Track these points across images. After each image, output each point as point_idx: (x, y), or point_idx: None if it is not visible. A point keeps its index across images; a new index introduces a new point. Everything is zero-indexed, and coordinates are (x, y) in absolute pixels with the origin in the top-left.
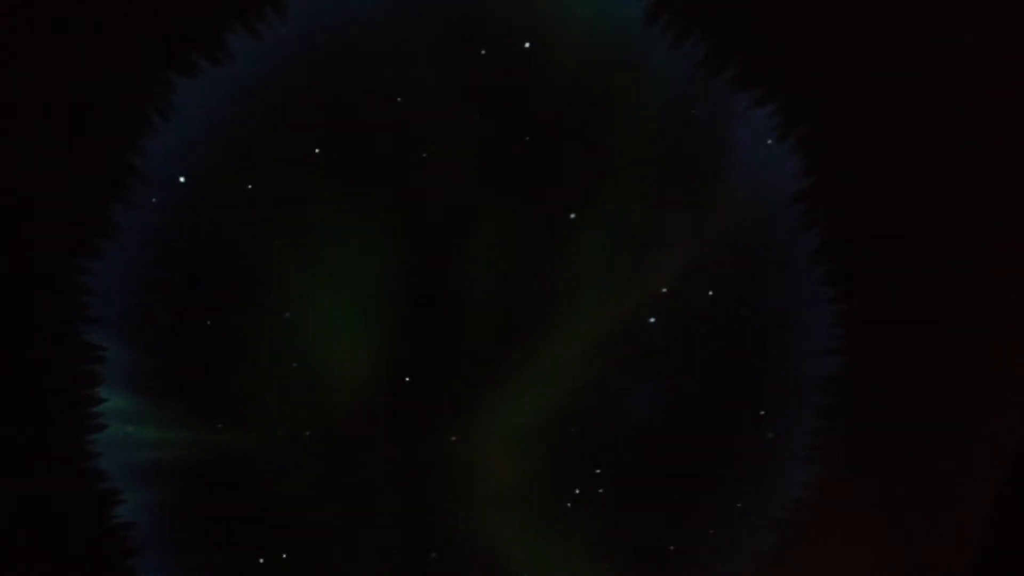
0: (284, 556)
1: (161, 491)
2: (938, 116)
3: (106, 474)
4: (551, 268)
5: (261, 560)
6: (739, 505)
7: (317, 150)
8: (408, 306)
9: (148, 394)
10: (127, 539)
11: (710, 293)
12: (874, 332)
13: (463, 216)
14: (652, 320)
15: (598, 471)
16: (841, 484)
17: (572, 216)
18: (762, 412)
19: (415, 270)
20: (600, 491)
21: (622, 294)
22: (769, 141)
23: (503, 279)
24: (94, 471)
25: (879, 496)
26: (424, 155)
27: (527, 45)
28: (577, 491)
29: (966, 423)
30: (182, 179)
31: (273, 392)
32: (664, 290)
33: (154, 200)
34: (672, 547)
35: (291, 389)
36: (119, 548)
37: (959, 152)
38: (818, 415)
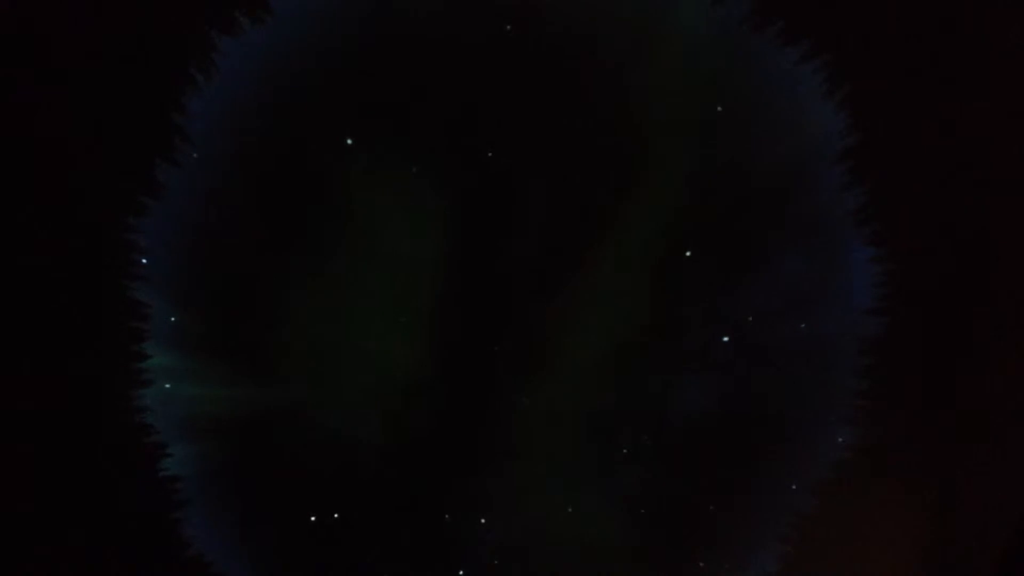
0: (335, 516)
1: (207, 446)
2: (994, 72)
3: (152, 429)
4: (602, 235)
5: (312, 518)
6: (779, 467)
7: (366, 117)
8: (462, 271)
9: (193, 351)
10: (174, 492)
11: (749, 253)
12: (918, 293)
13: (508, 185)
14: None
15: (644, 435)
16: (882, 447)
17: (617, 185)
18: (802, 373)
19: (465, 237)
20: (645, 454)
21: (672, 236)
22: (814, 98)
23: (552, 248)
24: (141, 425)
25: (922, 460)
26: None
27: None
28: (624, 451)
29: (1014, 385)
30: (225, 143)
31: (321, 351)
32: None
33: (196, 157)
34: (712, 507)
35: (340, 349)
36: (166, 500)
37: (1015, 108)
38: (859, 376)
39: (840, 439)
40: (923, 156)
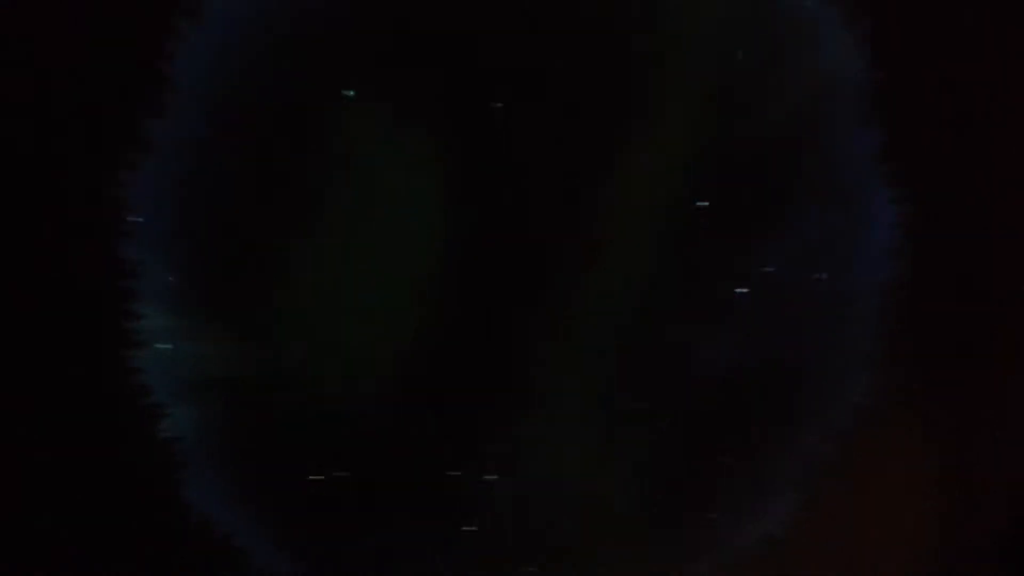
0: (339, 474)
1: (205, 407)
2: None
3: (150, 389)
4: (613, 185)
5: (316, 477)
6: (798, 412)
7: (365, 65)
8: (468, 222)
9: (187, 310)
10: (174, 452)
11: (763, 182)
12: (940, 236)
13: (514, 135)
14: (704, 204)
15: (660, 391)
16: (905, 392)
17: (630, 125)
18: (817, 316)
19: (471, 186)
20: (660, 409)
21: (685, 184)
22: (835, 32)
23: (561, 200)
24: (137, 386)
25: (945, 406)
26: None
27: None
28: (640, 407)
29: None
30: (217, 92)
31: (318, 311)
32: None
33: (186, 111)
34: (729, 455)
35: (339, 309)
36: (166, 461)
37: None
38: (881, 320)
39: (862, 387)
40: (946, 92)
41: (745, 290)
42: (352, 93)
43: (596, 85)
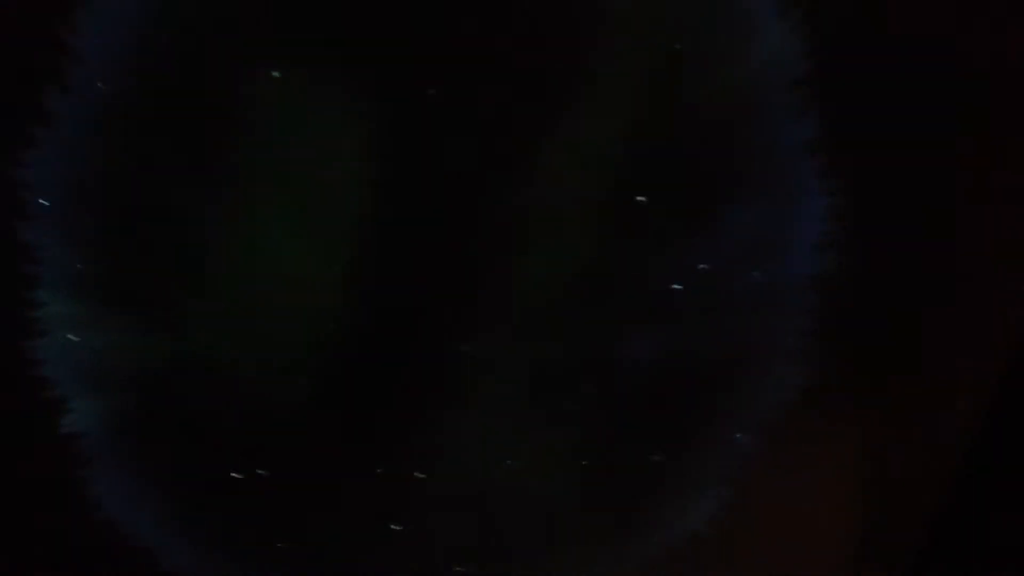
0: (255, 471)
1: (110, 400)
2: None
3: (50, 382)
4: (549, 154)
5: (231, 475)
6: (724, 407)
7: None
8: (393, 205)
9: (92, 298)
10: (77, 449)
11: (696, 175)
12: (870, 229)
13: (446, 116)
14: (642, 199)
15: (590, 386)
16: (829, 387)
17: (565, 115)
18: (748, 311)
19: (396, 171)
20: (590, 405)
21: (618, 177)
22: (769, 17)
23: (493, 187)
24: (37, 379)
25: (869, 401)
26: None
27: None
28: (568, 402)
29: (965, 327)
30: (124, 62)
31: (232, 297)
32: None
33: (96, 84)
34: (657, 456)
35: (253, 294)
36: (69, 458)
37: (972, 39)
38: (807, 315)
39: (787, 381)
40: (880, 81)
41: (679, 287)
42: (278, 74)
43: (532, 73)
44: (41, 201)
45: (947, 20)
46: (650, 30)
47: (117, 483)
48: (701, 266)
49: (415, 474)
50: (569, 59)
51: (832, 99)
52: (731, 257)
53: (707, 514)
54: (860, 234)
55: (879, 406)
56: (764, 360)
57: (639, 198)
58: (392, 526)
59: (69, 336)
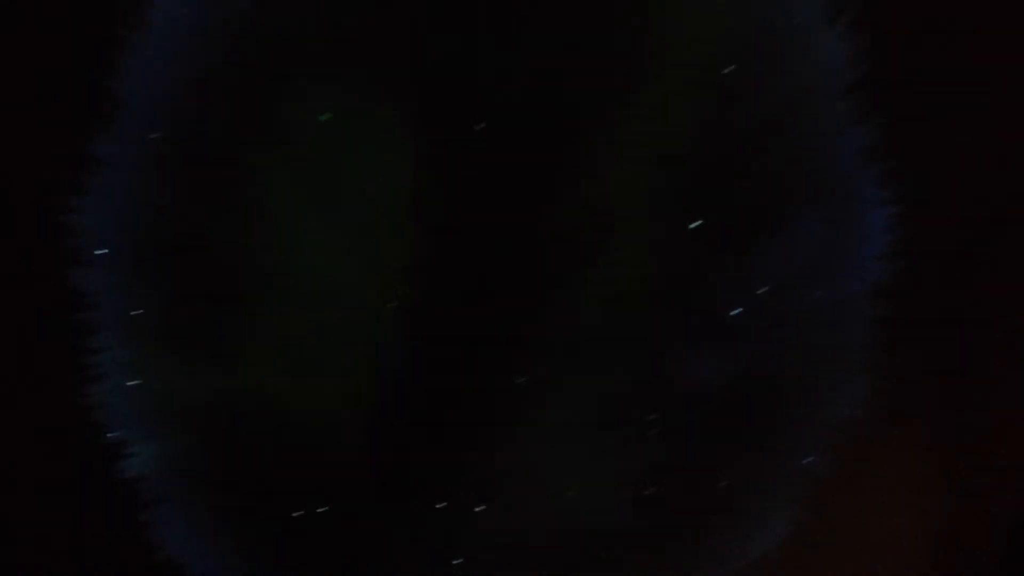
0: (316, 509)
1: (170, 442)
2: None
3: (111, 427)
4: (601, 200)
5: (292, 513)
6: (791, 429)
7: (323, 61)
8: (445, 243)
9: (148, 340)
10: (140, 493)
11: (752, 187)
12: (932, 238)
13: (496, 150)
14: (696, 224)
15: (651, 412)
16: (895, 402)
17: (612, 115)
18: (812, 329)
19: (446, 204)
20: (652, 431)
21: (674, 200)
22: (819, 25)
23: (547, 216)
24: (97, 424)
25: (937, 417)
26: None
27: None
28: (630, 429)
29: None
30: (169, 105)
31: (288, 336)
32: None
33: (142, 130)
34: (724, 473)
35: (307, 332)
36: (132, 502)
37: None
38: (872, 329)
39: (854, 398)
40: (940, 87)
41: (741, 310)
42: (326, 117)
43: (587, 93)
44: (94, 249)
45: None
46: (701, 52)
47: (178, 524)
48: (762, 289)
49: (475, 508)
50: (620, 84)
51: (889, 106)
52: (793, 276)
53: (777, 538)
54: (923, 243)
55: (949, 420)
56: (830, 378)
57: (693, 224)
58: (453, 561)
59: (126, 379)
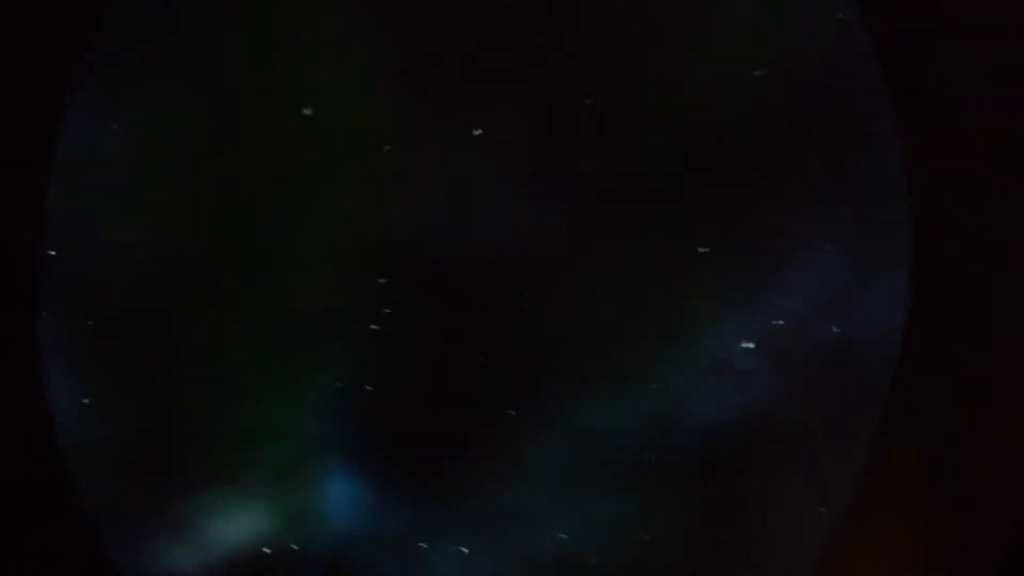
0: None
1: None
2: None
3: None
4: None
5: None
6: (797, 475)
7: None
8: (441, 265)
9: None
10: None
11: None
12: (948, 284)
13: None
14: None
15: (651, 453)
16: (900, 451)
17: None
18: (824, 369)
19: (450, 227)
20: (648, 460)
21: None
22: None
23: (546, 236)
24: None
25: (939, 465)
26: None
27: None
28: (627, 470)
29: None
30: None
31: (275, 364)
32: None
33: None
34: (728, 533)
35: (295, 356)
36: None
37: None
38: (884, 372)
39: (863, 449)
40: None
41: (751, 344)
42: (310, 112)
43: (609, 115)
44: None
45: None
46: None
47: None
48: (777, 321)
49: (460, 549)
50: (630, 100)
51: (914, 137)
52: (809, 311)
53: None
54: (939, 289)
55: (950, 470)
56: (838, 423)
57: (701, 249)
58: None
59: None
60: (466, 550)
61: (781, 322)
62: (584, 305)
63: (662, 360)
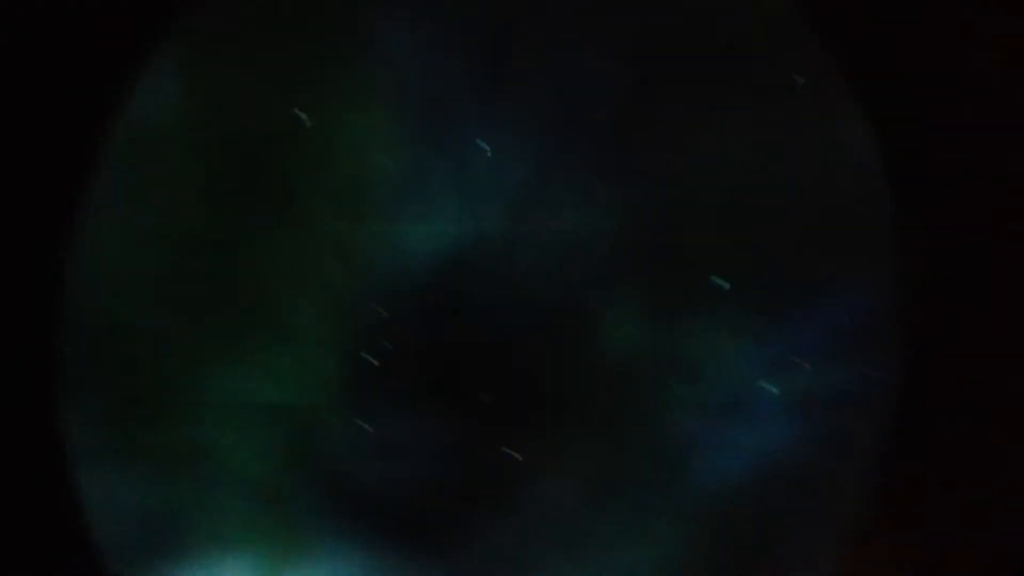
0: None
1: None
2: None
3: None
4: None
5: None
6: (806, 522)
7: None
8: (440, 293)
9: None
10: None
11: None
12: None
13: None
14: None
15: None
16: (903, 496)
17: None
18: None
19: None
20: (661, 519)
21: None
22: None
23: (548, 272)
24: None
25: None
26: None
27: None
28: (635, 516)
29: None
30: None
31: (270, 393)
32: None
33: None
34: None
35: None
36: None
37: None
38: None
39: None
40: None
41: (769, 385)
42: (304, 116)
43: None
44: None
45: None
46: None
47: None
48: (796, 360)
49: None
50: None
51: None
52: (821, 352)
53: None
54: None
55: (951, 515)
56: (846, 466)
57: (719, 282)
58: None
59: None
60: None
61: (800, 360)
62: (590, 340)
63: (675, 398)
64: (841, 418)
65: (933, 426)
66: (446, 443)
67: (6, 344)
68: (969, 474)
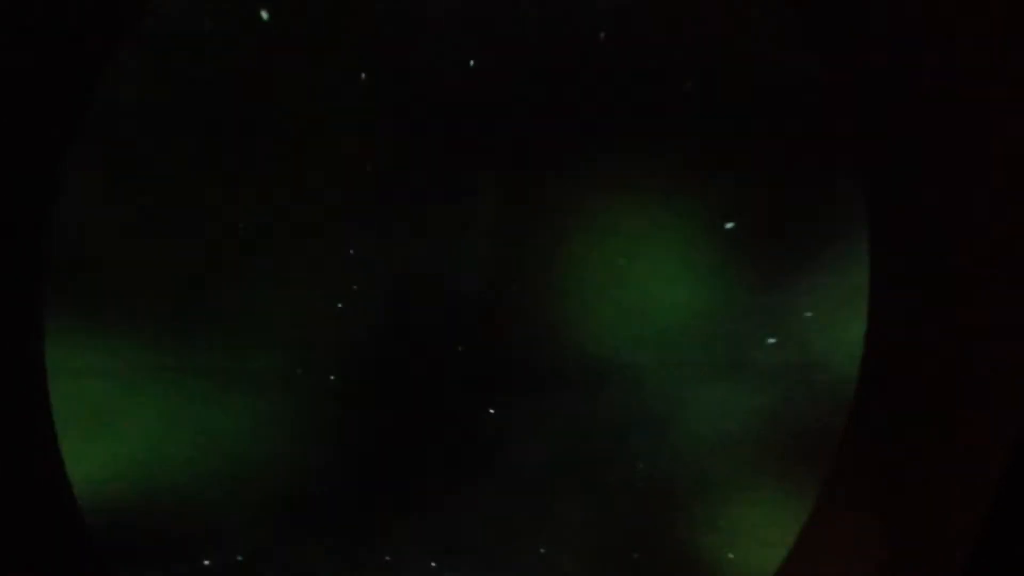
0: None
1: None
2: None
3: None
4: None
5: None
6: (777, 486)
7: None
8: (425, 258)
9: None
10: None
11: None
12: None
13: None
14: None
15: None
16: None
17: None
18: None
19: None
20: (645, 483)
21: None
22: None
23: (541, 216)
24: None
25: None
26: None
27: None
28: (618, 479)
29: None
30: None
31: (261, 363)
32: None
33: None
34: (710, 537)
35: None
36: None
37: None
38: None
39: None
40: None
41: (772, 341)
42: (266, 16)
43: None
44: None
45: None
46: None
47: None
48: (770, 340)
49: (430, 563)
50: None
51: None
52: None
53: None
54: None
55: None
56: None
57: (728, 224)
58: None
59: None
60: (435, 564)
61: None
62: (582, 289)
63: (654, 361)
64: (800, 395)
65: (893, 407)
66: (421, 397)
67: None
68: (927, 456)
